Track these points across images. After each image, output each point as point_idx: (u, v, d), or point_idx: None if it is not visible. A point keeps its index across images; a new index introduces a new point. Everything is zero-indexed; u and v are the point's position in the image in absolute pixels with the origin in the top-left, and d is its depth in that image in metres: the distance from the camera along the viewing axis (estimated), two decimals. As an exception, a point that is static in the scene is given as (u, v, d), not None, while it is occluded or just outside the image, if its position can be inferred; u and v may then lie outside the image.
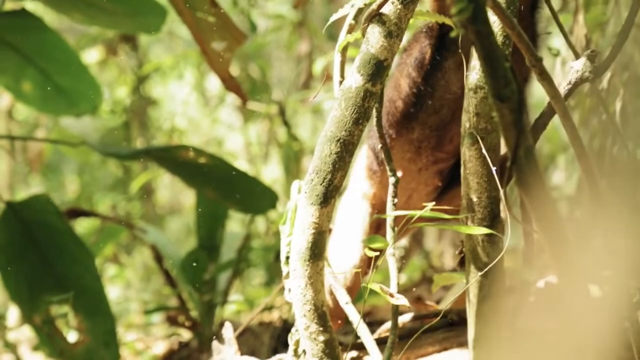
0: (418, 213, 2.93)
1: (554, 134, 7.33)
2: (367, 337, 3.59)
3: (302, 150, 6.96)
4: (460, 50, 3.11)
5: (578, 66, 2.97)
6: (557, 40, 5.07)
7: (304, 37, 7.86)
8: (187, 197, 10.40)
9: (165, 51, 9.93)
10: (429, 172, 3.87)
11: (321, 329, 3.20)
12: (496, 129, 3.05)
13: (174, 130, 8.90)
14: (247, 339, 5.17)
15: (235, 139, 9.11)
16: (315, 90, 7.22)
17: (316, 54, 7.85)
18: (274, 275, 6.45)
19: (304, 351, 3.59)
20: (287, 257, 3.79)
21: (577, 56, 3.03)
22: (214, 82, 8.67)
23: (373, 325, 3.80)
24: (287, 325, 4.96)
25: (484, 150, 3.01)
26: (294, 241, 3.20)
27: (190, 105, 9.02)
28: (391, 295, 3.00)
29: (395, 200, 3.43)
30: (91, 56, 8.57)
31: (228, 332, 4.01)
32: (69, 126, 8.42)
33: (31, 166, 8.43)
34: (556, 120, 2.99)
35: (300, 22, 7.60)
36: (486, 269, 3.06)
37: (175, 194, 10.73)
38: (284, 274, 3.83)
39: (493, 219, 3.08)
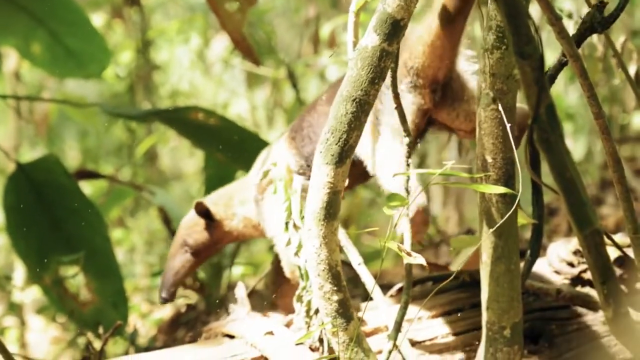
0: (437, 172, 2.93)
1: (560, 101, 7.33)
2: (380, 298, 3.62)
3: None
4: None
5: (587, 17, 2.96)
6: (567, 4, 5.06)
7: (310, 2, 7.84)
8: (188, 164, 10.40)
9: (168, 17, 9.90)
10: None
11: (335, 288, 3.21)
12: (512, 89, 3.05)
13: (179, 95, 8.88)
14: (253, 301, 5.18)
15: (240, 104, 9.09)
16: (321, 55, 7.22)
17: (322, 20, 7.84)
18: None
19: (315, 311, 3.61)
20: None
21: (589, 5, 3.02)
22: (219, 47, 8.63)
23: (383, 288, 3.81)
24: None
25: (500, 110, 3.01)
26: (308, 201, 3.20)
27: (195, 70, 9.00)
28: (408, 254, 3.00)
29: (410, 160, 3.44)
30: (96, 20, 8.54)
31: (241, 292, 4.03)
32: (73, 90, 8.41)
33: (37, 129, 8.42)
34: (561, 87, 2.99)
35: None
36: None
37: (175, 161, 10.72)
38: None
39: (508, 180, 3.08)
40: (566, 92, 7.81)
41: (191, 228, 4.11)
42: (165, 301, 4.05)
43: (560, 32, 2.72)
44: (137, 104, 8.77)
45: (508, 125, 3.00)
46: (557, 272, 4.01)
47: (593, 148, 7.94)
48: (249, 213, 4.08)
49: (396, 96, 3.34)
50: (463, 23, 3.59)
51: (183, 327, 5.34)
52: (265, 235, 4.08)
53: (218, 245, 4.21)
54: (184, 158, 10.32)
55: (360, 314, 3.37)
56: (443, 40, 3.62)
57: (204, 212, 4.07)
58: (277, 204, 3.90)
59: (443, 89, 3.68)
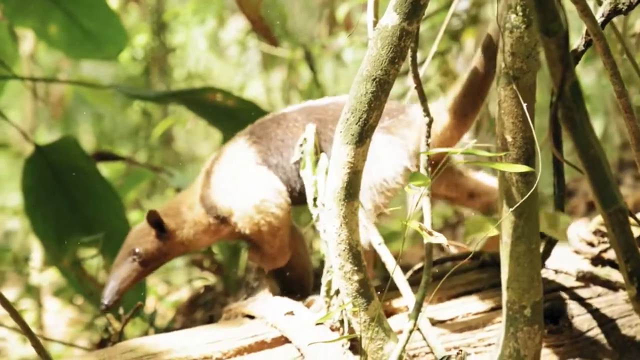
0: (458, 151, 2.92)
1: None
2: (400, 278, 3.61)
3: (324, 96, 6.94)
4: None
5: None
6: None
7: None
8: (203, 147, 10.40)
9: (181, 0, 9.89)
10: None
11: (356, 268, 3.21)
12: (532, 68, 3.03)
13: (194, 77, 8.87)
14: (272, 282, 5.18)
15: (256, 86, 9.08)
16: (337, 37, 7.20)
17: (337, 1, 7.81)
18: (298, 219, 6.46)
19: (336, 292, 3.61)
20: (314, 200, 3.81)
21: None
22: (234, 29, 8.62)
23: (401, 269, 3.81)
24: (313, 269, 4.97)
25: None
26: (329, 181, 3.20)
27: (211, 52, 8.98)
28: (430, 234, 3.00)
29: (429, 140, 3.44)
30: (112, 2, 8.53)
31: (261, 273, 4.05)
32: (89, 73, 8.42)
33: (53, 111, 8.43)
34: (576, 68, 2.96)
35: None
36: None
37: (190, 145, 10.73)
38: (314, 217, 3.85)
39: (528, 159, 3.06)
40: (581, 74, 7.78)
41: (142, 237, 4.02)
42: (106, 309, 3.94)
43: (584, 10, 2.70)
44: (152, 86, 8.77)
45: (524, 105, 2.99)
46: (577, 252, 4.00)
47: (609, 129, 7.91)
48: (197, 215, 4.05)
49: (416, 76, 3.34)
50: (473, 118, 3.78)
51: (201, 309, 5.34)
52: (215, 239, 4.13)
53: (168, 257, 4.11)
54: (199, 141, 10.33)
55: (381, 294, 3.36)
56: (453, 132, 3.79)
57: (156, 222, 3.99)
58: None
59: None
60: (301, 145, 3.87)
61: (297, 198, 3.99)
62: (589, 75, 7.88)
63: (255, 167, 3.96)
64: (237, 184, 3.97)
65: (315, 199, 3.82)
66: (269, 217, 3.91)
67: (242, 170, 3.98)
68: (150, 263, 4.03)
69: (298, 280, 4.23)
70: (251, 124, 4.12)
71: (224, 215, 3.99)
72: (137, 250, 3.98)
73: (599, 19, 2.97)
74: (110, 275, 4.03)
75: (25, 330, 3.02)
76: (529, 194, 3.02)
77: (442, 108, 3.74)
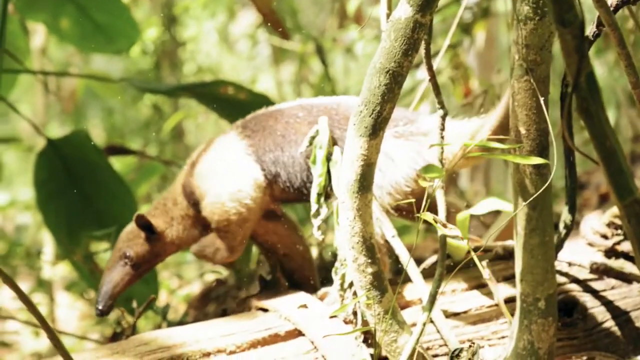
0: (473, 143, 2.92)
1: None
2: (414, 271, 3.61)
3: (335, 90, 6.93)
4: None
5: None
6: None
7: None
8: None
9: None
10: None
11: (370, 261, 3.21)
12: (546, 60, 3.02)
13: (204, 71, 8.87)
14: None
15: (266, 80, 9.07)
16: (348, 30, 7.20)
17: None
18: (309, 214, 6.45)
19: (350, 284, 3.61)
20: (319, 195, 3.81)
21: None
22: (245, 23, 8.63)
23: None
24: (324, 263, 4.96)
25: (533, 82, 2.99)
26: (342, 173, 3.19)
27: (221, 46, 8.98)
28: (444, 226, 2.99)
29: (444, 132, 3.43)
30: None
31: (273, 266, 4.05)
32: (99, 68, 8.41)
33: (64, 105, 8.44)
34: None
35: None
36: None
37: (201, 139, 10.73)
38: (312, 211, 3.85)
39: (542, 151, 3.06)
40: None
41: (132, 240, 4.01)
42: (101, 314, 3.92)
43: (599, 0, 2.69)
44: (162, 80, 8.77)
45: (542, 99, 2.98)
46: (591, 245, 3.99)
47: (620, 122, 7.90)
48: (183, 209, 4.04)
49: (430, 69, 3.34)
50: None
51: (213, 302, 5.34)
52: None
53: (159, 258, 4.12)
54: (210, 134, 10.33)
55: (395, 287, 3.36)
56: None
57: (145, 225, 3.99)
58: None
59: None
60: (313, 137, 3.85)
61: (295, 194, 3.99)
62: (600, 68, 7.86)
63: (241, 158, 3.95)
64: (218, 170, 3.97)
65: (319, 195, 3.82)
66: (242, 207, 3.90)
67: (226, 160, 3.98)
68: (142, 265, 4.02)
69: (299, 269, 4.23)
70: (242, 118, 4.11)
71: (197, 200, 3.99)
72: (127, 253, 3.97)
73: (611, 8, 2.95)
74: (102, 279, 4.00)
75: (40, 321, 3.02)
76: (544, 186, 3.01)
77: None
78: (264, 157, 3.91)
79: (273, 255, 4.22)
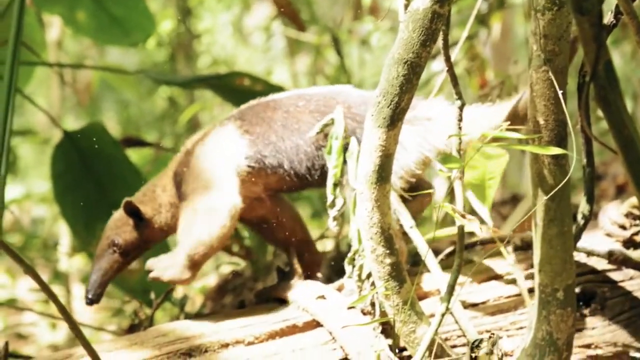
0: (492, 134, 2.91)
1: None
2: (432, 261, 3.61)
3: (350, 82, 6.93)
4: None
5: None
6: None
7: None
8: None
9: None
10: None
11: (388, 251, 3.21)
12: (564, 50, 3.01)
13: (219, 63, 8.87)
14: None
15: (281, 72, 9.07)
16: (364, 22, 7.19)
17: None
18: (325, 205, 6.45)
19: (368, 275, 3.61)
20: (335, 185, 3.80)
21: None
22: (260, 14, 8.62)
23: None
24: (340, 254, 4.96)
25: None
26: (360, 164, 3.20)
27: (236, 38, 8.98)
28: (463, 217, 2.99)
29: (461, 123, 3.42)
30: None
31: (291, 258, 4.05)
32: (114, 60, 8.42)
33: (80, 97, 8.45)
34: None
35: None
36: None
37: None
38: (328, 201, 3.85)
39: (560, 142, 3.05)
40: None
41: (120, 228, 3.99)
42: (91, 302, 3.90)
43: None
44: (177, 73, 8.78)
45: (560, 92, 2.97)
46: (609, 235, 3.98)
47: (638, 113, 7.88)
48: (171, 196, 4.01)
49: (448, 59, 3.33)
50: None
51: (230, 294, 5.35)
52: None
53: (148, 245, 4.09)
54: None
55: (414, 278, 3.36)
56: None
57: (133, 211, 3.97)
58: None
59: None
60: (326, 126, 3.84)
61: (298, 183, 3.97)
62: (615, 59, 7.84)
63: (234, 162, 3.92)
64: (205, 176, 3.93)
65: (335, 185, 3.81)
66: (216, 232, 3.85)
67: (219, 164, 3.93)
68: (130, 252, 4.00)
69: (306, 245, 4.26)
70: (236, 109, 4.09)
71: (183, 194, 3.96)
72: (116, 241, 3.95)
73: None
74: (92, 267, 4.00)
75: (62, 312, 3.04)
76: (566, 179, 3.00)
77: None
78: (265, 150, 3.88)
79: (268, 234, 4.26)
